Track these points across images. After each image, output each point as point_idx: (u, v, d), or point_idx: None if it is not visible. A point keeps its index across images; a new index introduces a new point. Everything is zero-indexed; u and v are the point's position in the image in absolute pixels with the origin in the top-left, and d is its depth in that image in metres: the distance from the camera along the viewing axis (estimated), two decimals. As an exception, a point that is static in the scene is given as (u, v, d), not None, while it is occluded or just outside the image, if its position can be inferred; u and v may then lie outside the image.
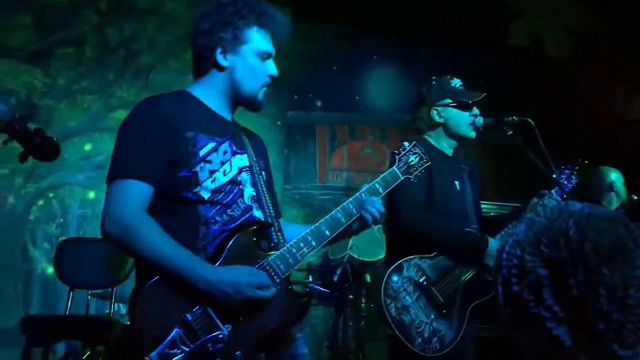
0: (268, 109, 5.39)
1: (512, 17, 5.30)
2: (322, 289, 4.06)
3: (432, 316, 2.38)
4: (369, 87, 5.41)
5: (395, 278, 2.37)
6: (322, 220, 1.81)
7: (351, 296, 4.07)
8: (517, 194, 4.49)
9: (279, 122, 5.09)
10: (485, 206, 4.59)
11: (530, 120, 2.57)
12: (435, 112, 2.65)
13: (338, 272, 4.08)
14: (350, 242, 4.36)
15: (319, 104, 5.32)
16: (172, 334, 1.55)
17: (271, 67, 1.85)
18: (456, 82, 2.71)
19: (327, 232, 1.80)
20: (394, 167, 2.00)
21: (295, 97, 5.18)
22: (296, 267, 1.76)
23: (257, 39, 1.82)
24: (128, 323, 3.26)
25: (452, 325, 2.41)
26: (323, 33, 5.22)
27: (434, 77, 2.74)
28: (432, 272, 2.43)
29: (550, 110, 5.09)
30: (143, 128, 1.70)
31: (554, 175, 2.56)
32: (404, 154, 2.03)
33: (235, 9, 1.80)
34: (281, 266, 1.71)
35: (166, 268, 1.57)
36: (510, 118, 2.62)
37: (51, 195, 4.60)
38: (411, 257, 2.43)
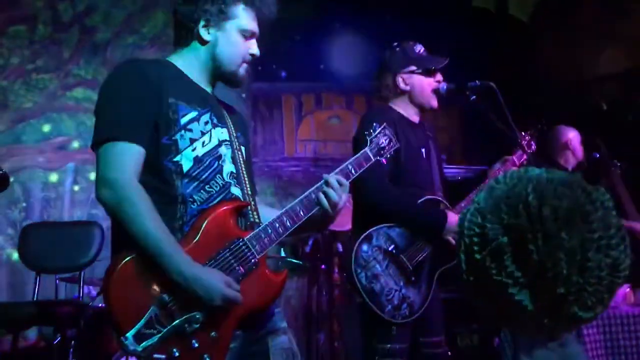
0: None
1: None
2: (295, 260, 4.08)
3: (402, 283, 2.41)
4: (333, 55, 5.34)
5: (365, 247, 2.40)
6: (296, 201, 1.82)
7: (323, 266, 4.09)
8: (484, 156, 4.55)
9: (243, 95, 5.00)
10: (453, 170, 4.66)
11: (492, 84, 2.57)
12: (400, 79, 2.64)
13: (310, 243, 4.10)
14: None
15: (283, 74, 5.25)
16: (148, 313, 1.53)
17: (253, 47, 1.83)
18: (419, 48, 2.70)
19: (302, 213, 1.80)
20: (366, 149, 2.00)
21: (259, 68, 5.08)
22: (271, 247, 1.75)
23: (243, 17, 1.80)
24: (99, 306, 3.27)
25: (420, 291, 2.45)
26: (285, 2, 5.11)
27: (397, 44, 2.72)
28: (400, 240, 2.46)
29: (514, 71, 5.11)
30: (129, 88, 1.66)
31: (516, 141, 2.58)
32: (375, 136, 2.03)
33: None
34: (256, 246, 1.71)
35: (147, 247, 1.56)
36: (474, 83, 2.62)
37: (12, 179, 4.46)
38: (380, 225, 2.44)
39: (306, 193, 1.84)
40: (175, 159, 1.67)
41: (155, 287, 1.56)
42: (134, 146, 1.63)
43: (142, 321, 1.52)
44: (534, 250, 0.93)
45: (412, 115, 2.68)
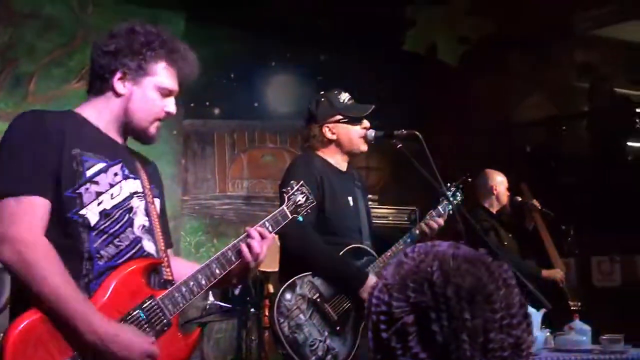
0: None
1: (407, 25, 5.44)
2: (223, 304, 3.98)
3: (326, 333, 2.37)
4: (267, 94, 5.36)
5: (288, 296, 2.36)
6: (212, 258, 1.78)
7: (253, 309, 4.01)
8: (415, 198, 4.63)
9: (174, 132, 4.91)
10: (383, 210, 4.71)
11: (417, 133, 2.61)
12: (327, 129, 2.66)
13: (239, 287, 4.01)
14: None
15: (217, 111, 5.20)
16: None
17: (170, 104, 1.79)
18: (345, 97, 2.73)
19: (217, 271, 1.77)
20: (283, 206, 2.01)
21: (192, 104, 5.02)
22: (184, 307, 1.70)
23: (162, 74, 1.76)
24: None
25: (346, 342, 2.42)
26: (219, 38, 5.10)
27: (322, 93, 2.75)
28: (325, 289, 2.43)
29: (442, 114, 5.27)
30: (27, 141, 1.59)
31: (441, 192, 2.62)
32: (292, 193, 2.04)
33: (147, 40, 1.74)
34: (169, 306, 1.66)
35: (56, 308, 1.47)
36: (400, 131, 2.67)
37: None
38: (305, 274, 2.42)
39: (222, 250, 1.81)
40: (80, 212, 1.60)
41: (59, 352, 1.47)
42: (37, 199, 1.55)
43: None
44: (438, 331, 0.92)
45: (340, 162, 2.70)
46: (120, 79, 1.73)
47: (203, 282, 1.73)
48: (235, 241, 1.83)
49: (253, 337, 4.10)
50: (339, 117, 2.66)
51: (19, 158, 1.58)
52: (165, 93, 1.78)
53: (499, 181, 3.92)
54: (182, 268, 1.81)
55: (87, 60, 1.80)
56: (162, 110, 1.78)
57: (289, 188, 2.05)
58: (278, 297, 2.34)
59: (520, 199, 3.93)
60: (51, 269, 1.50)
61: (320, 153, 2.68)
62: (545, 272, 3.80)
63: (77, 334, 1.48)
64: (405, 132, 2.67)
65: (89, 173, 1.62)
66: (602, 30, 5.01)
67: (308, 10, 4.99)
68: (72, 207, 1.59)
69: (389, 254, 2.60)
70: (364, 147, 2.70)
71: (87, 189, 1.61)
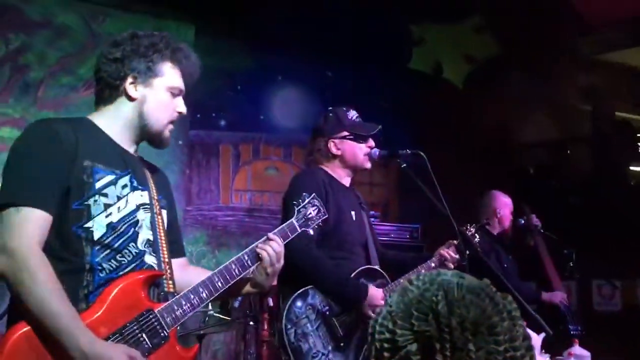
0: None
1: (415, 42, 5.47)
2: (222, 316, 3.97)
3: (330, 347, 2.36)
4: (273, 107, 5.38)
5: (299, 304, 2.35)
6: (216, 271, 1.78)
7: (252, 323, 4.00)
8: (419, 214, 4.63)
9: (180, 142, 4.93)
10: (387, 227, 4.71)
11: (422, 153, 2.62)
12: (332, 144, 2.68)
13: (239, 298, 4.00)
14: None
15: (222, 122, 5.23)
16: None
17: (181, 104, 1.81)
18: (352, 114, 2.75)
19: (219, 284, 1.77)
20: (293, 219, 2.01)
21: (198, 115, 5.05)
22: (183, 320, 1.70)
23: (170, 74, 1.78)
24: None
25: (347, 359, 2.40)
26: (227, 50, 5.14)
27: (330, 109, 2.77)
28: (336, 303, 2.42)
29: (447, 133, 5.28)
30: (38, 151, 1.60)
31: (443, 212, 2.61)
32: (303, 206, 2.04)
33: (151, 42, 1.77)
34: (167, 319, 1.65)
35: (45, 323, 1.46)
36: (404, 151, 2.68)
37: None
38: None
39: (227, 263, 1.81)
40: (86, 225, 1.61)
41: None
42: (37, 212, 1.55)
43: None
44: (442, 361, 0.93)
45: (343, 177, 2.71)
46: (131, 83, 1.74)
47: (204, 295, 1.73)
48: (241, 253, 1.83)
49: (251, 351, 4.09)
50: (345, 133, 2.68)
51: (28, 169, 1.59)
52: (176, 93, 1.80)
53: (504, 203, 3.92)
54: (194, 277, 1.81)
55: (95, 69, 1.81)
56: (174, 111, 1.80)
57: (300, 200, 2.04)
58: (289, 303, 2.33)
59: (523, 221, 3.93)
60: (43, 282, 1.49)
61: (324, 167, 2.69)
62: (545, 295, 3.79)
63: (62, 350, 1.46)
64: (409, 151, 2.68)
65: (98, 185, 1.63)
66: (607, 55, 5.04)
67: (316, 26, 5.03)
68: (79, 220, 1.60)
69: (402, 280, 2.59)
70: (367, 165, 2.71)
71: (95, 201, 1.62)
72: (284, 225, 1.98)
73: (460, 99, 5.41)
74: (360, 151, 2.68)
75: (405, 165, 2.68)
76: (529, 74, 5.14)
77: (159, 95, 1.77)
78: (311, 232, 2.05)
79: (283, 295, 2.42)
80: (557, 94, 5.18)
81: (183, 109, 1.82)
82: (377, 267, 2.63)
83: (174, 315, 1.66)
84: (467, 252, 2.66)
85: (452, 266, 2.66)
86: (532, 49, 4.98)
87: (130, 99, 1.75)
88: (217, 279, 1.76)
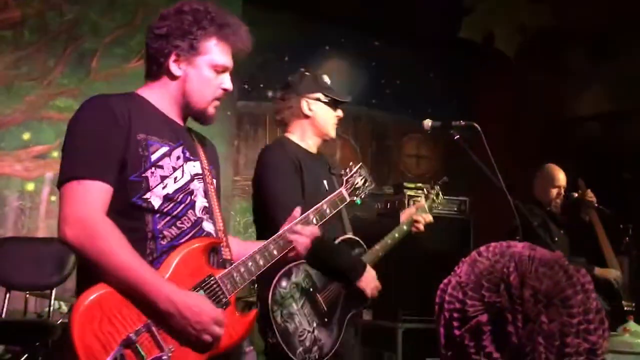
0: (218, 99, 5.22)
1: (465, 11, 5.34)
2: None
3: (315, 324, 2.32)
4: (321, 78, 5.36)
5: (284, 283, 2.28)
6: (271, 240, 1.80)
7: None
8: (466, 188, 4.58)
9: (229, 112, 4.99)
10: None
11: (476, 125, 2.57)
12: (305, 103, 2.55)
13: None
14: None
15: (270, 93, 5.24)
16: (113, 353, 1.48)
17: (226, 81, 1.79)
18: (327, 80, 2.65)
19: (275, 252, 1.80)
20: (342, 188, 2.01)
21: (246, 86, 5.09)
22: (242, 287, 1.73)
23: (215, 52, 1.76)
24: (67, 322, 3.19)
25: (331, 334, 2.37)
26: (275, 22, 5.13)
27: (304, 69, 2.68)
28: (318, 279, 2.38)
29: (497, 105, 5.17)
30: (95, 126, 1.63)
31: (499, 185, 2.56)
32: (351, 176, 2.05)
33: (195, 18, 1.73)
34: (228, 285, 1.68)
35: (126, 278, 1.52)
36: (457, 122, 2.62)
37: (-13, 187, 4.39)
38: (300, 261, 2.29)
39: (281, 231, 1.83)
40: (145, 196, 1.64)
41: (123, 325, 1.52)
42: (98, 183, 1.58)
43: None
44: (513, 332, 0.93)
45: (311, 146, 2.59)
46: (174, 61, 1.74)
47: (261, 262, 1.76)
48: (289, 225, 1.85)
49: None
50: (319, 95, 2.57)
51: (85, 144, 1.62)
52: (220, 70, 1.77)
53: (559, 178, 3.83)
54: (239, 247, 1.84)
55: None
56: (218, 88, 1.78)
57: (347, 170, 2.03)
58: (274, 284, 2.26)
59: (576, 195, 3.84)
60: (118, 244, 1.54)
61: (290, 133, 2.59)
62: (598, 271, 3.71)
63: (149, 302, 1.51)
64: (463, 123, 2.62)
65: (153, 157, 1.65)
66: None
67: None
68: (137, 192, 1.63)
69: (377, 247, 2.57)
70: (333, 133, 2.61)
71: (152, 173, 1.64)
72: (333, 194, 1.99)
73: (512, 69, 5.27)
74: (331, 118, 2.57)
75: (458, 137, 2.63)
76: (583, 43, 4.96)
77: (202, 73, 1.75)
78: (358, 201, 2.03)
79: (266, 276, 2.26)
80: (614, 65, 4.99)
81: (229, 85, 1.80)
82: (352, 235, 2.57)
83: (233, 282, 1.69)
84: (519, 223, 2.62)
85: (420, 227, 2.70)
86: (587, 17, 4.78)
87: (173, 77, 1.75)
88: (272, 247, 1.79)
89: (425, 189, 2.86)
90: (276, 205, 2.31)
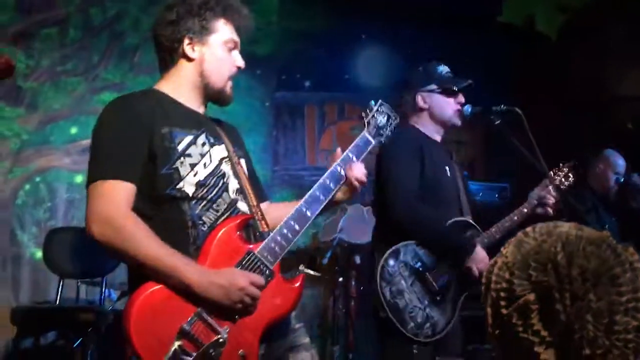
0: (256, 90, 5.31)
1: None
2: (312, 272, 4.09)
3: (426, 302, 2.39)
4: (358, 66, 5.36)
5: (391, 262, 2.38)
6: (301, 202, 1.80)
7: (341, 279, 4.10)
8: (507, 173, 4.53)
9: (267, 103, 5.04)
10: (473, 186, 4.63)
11: (518, 110, 2.54)
12: (420, 97, 2.63)
13: (328, 255, 4.11)
14: (340, 224, 4.38)
15: (307, 83, 5.27)
16: (172, 348, 1.53)
17: (238, 58, 1.86)
18: (442, 69, 2.69)
19: (308, 213, 1.79)
20: (364, 132, 1.96)
21: (283, 77, 5.12)
22: (283, 255, 1.73)
23: (224, 30, 1.83)
24: (118, 309, 3.32)
25: (444, 313, 2.42)
26: (311, 12, 5.14)
27: (421, 63, 2.71)
28: (428, 259, 2.44)
29: (539, 88, 5.08)
30: (117, 128, 1.68)
31: (543, 171, 2.54)
32: (372, 116, 1.99)
33: (203, 1, 1.80)
34: (268, 257, 1.70)
35: (157, 269, 1.56)
36: (498, 107, 2.60)
37: (38, 179, 4.56)
38: (409, 242, 2.43)
39: (311, 190, 1.82)
40: (178, 186, 1.68)
41: (175, 318, 1.56)
42: (122, 183, 1.63)
43: (168, 357, 1.52)
44: (561, 310, 0.94)
45: (434, 133, 2.66)
46: (189, 44, 1.77)
47: (297, 227, 1.75)
48: (321, 179, 1.84)
49: (340, 306, 4.21)
50: (434, 86, 2.62)
51: (108, 146, 1.68)
52: (231, 46, 1.84)
53: (619, 164, 3.73)
54: (283, 210, 1.83)
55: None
56: (233, 65, 1.84)
57: (367, 111, 1.98)
58: (382, 263, 2.36)
59: (622, 179, 3.75)
60: (143, 235, 1.58)
61: (413, 123, 2.66)
62: None
63: (187, 288, 1.56)
64: (504, 107, 2.60)
65: (180, 147, 1.69)
66: None
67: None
68: (170, 184, 1.67)
69: (493, 229, 2.57)
70: (457, 121, 2.64)
71: (182, 162, 1.68)
72: (357, 140, 1.94)
73: (554, 52, 5.16)
74: (449, 106, 2.62)
75: (499, 122, 2.61)
76: (628, 22, 4.81)
77: (216, 51, 1.80)
78: (384, 140, 2.00)
79: (378, 252, 2.43)
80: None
81: (241, 62, 1.85)
82: (469, 219, 2.61)
83: (273, 252, 1.70)
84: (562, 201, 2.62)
85: (551, 206, 2.61)
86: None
87: (189, 59, 1.78)
88: (305, 209, 1.78)
89: (552, 171, 2.77)
90: (391, 190, 2.44)
